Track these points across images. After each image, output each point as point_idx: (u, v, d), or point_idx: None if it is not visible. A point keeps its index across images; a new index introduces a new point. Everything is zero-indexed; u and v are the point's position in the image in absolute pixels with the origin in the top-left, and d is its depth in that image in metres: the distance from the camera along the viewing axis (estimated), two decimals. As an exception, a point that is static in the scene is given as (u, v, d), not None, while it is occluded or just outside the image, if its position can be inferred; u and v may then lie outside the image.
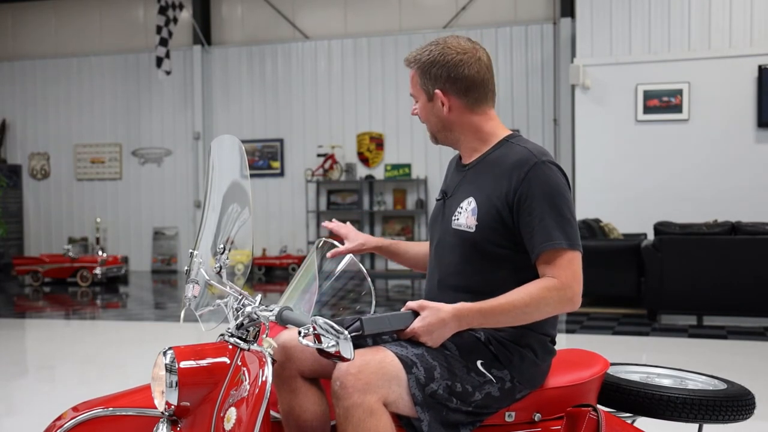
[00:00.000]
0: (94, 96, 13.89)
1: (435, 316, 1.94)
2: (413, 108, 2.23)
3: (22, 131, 14.24)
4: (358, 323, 1.89)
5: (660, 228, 7.71)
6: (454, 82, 2.10)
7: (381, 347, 1.95)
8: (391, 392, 1.87)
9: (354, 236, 2.38)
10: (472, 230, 2.06)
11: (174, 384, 1.76)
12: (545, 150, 2.08)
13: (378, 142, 12.62)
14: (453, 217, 2.12)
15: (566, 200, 2.01)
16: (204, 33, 13.22)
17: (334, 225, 2.42)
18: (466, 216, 2.08)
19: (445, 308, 1.94)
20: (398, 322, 1.96)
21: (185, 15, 12.90)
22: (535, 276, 2.01)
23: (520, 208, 2.00)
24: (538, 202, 1.98)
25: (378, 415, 1.83)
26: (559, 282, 1.95)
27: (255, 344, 1.86)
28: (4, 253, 13.53)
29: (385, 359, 1.89)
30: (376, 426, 1.82)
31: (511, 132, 2.17)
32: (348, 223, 2.46)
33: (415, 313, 1.97)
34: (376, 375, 1.85)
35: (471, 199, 2.09)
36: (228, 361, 1.84)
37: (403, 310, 2.00)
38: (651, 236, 8.68)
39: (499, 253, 2.05)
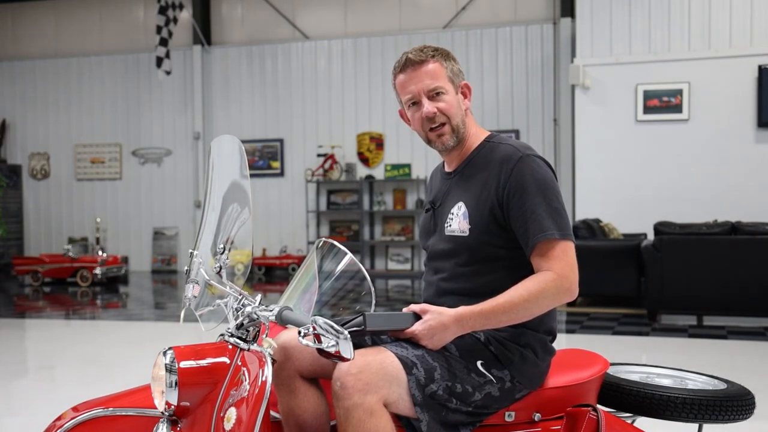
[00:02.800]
0: (94, 96, 13.89)
1: (437, 320, 1.95)
2: (431, 107, 2.09)
3: (22, 131, 14.24)
4: (360, 318, 1.90)
5: (660, 228, 7.71)
6: (464, 77, 2.18)
7: (381, 348, 1.95)
8: (392, 393, 1.87)
9: None
10: (466, 234, 2.07)
11: (174, 384, 1.76)
12: (528, 145, 2.10)
13: (378, 142, 12.62)
14: (445, 225, 2.13)
15: (554, 191, 2.02)
16: (204, 33, 13.22)
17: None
18: (458, 221, 2.09)
19: (447, 312, 1.95)
20: (400, 321, 1.97)
21: (185, 15, 12.90)
22: (531, 273, 2.01)
23: (510, 203, 2.01)
24: (526, 195, 1.99)
25: (378, 415, 1.83)
26: (555, 273, 1.96)
27: (255, 344, 1.86)
28: (4, 253, 13.53)
29: (385, 360, 1.90)
30: (377, 426, 1.82)
31: (489, 132, 2.20)
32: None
33: (417, 316, 1.98)
34: (376, 376, 1.85)
35: (461, 203, 2.10)
36: (228, 361, 1.84)
37: (404, 311, 2.00)
38: (651, 236, 8.68)
39: (494, 254, 2.06)
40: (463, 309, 1.96)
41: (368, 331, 1.92)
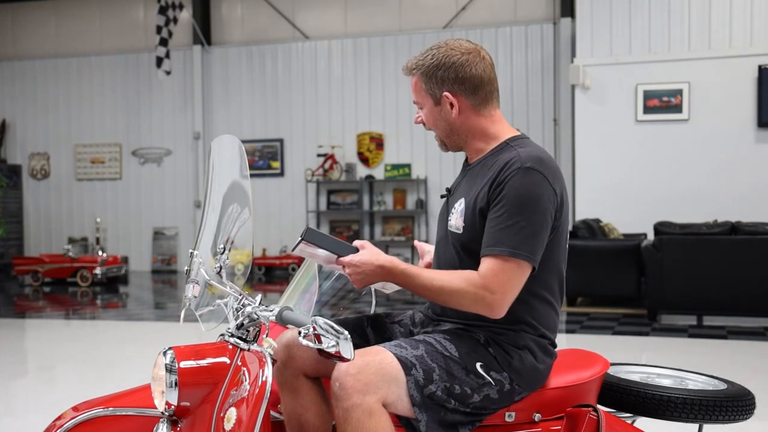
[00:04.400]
0: (94, 96, 13.89)
1: (370, 256, 1.98)
2: (416, 117, 2.22)
3: (22, 131, 14.24)
4: (303, 231, 1.98)
5: (660, 228, 7.71)
6: (462, 82, 2.09)
7: (380, 348, 1.95)
8: (391, 393, 1.87)
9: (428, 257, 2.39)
10: (460, 231, 2.08)
11: (174, 384, 1.77)
12: (538, 155, 2.02)
13: (378, 142, 12.62)
14: (448, 218, 2.14)
15: (535, 210, 1.95)
16: (204, 33, 13.22)
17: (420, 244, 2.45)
18: (456, 217, 2.10)
19: (382, 257, 2.00)
20: (339, 248, 2.02)
21: (185, 15, 12.90)
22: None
23: (491, 210, 2.00)
24: (504, 206, 1.96)
25: (377, 415, 1.83)
26: (483, 283, 1.93)
27: (255, 344, 1.86)
28: (4, 253, 13.53)
29: (384, 360, 1.90)
30: (375, 427, 1.82)
31: (517, 134, 2.15)
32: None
33: (358, 251, 2.02)
34: (375, 376, 1.85)
35: (462, 200, 2.10)
36: (228, 361, 1.84)
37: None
38: (651, 236, 8.68)
39: None
40: (394, 260, 2.00)
41: (304, 242, 1.96)
